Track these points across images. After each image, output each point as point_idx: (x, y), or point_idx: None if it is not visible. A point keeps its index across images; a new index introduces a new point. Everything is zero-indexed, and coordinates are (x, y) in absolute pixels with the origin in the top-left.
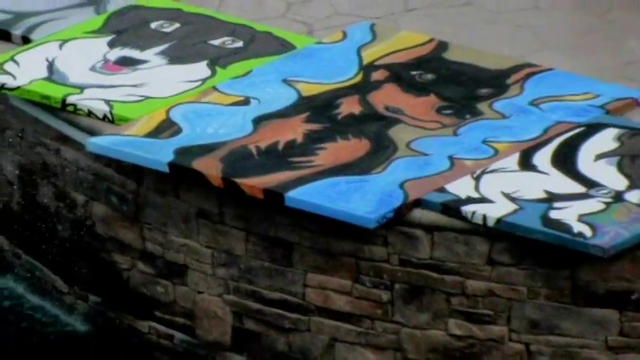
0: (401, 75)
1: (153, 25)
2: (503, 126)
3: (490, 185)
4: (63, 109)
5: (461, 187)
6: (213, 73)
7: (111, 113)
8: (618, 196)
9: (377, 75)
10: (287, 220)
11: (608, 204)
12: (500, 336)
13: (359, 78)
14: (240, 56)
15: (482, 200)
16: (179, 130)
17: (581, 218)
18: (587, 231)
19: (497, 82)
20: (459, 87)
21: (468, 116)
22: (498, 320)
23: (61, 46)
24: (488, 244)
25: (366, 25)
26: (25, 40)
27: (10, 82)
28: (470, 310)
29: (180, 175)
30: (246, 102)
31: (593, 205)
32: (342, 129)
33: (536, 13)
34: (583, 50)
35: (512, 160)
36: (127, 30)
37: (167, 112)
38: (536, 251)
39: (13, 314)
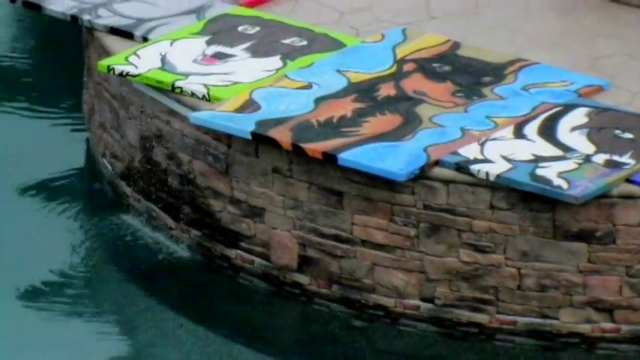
0: (425, 67)
1: (239, 29)
2: (501, 105)
3: (491, 149)
4: (172, 91)
5: (469, 150)
6: (284, 64)
7: (208, 94)
8: (587, 159)
9: (407, 67)
10: (339, 174)
11: (580, 164)
12: (498, 262)
13: (394, 69)
14: (305, 52)
15: (486, 161)
16: (259, 107)
17: (560, 175)
18: (563, 184)
19: (497, 72)
20: (469, 76)
21: (475, 98)
22: (497, 250)
23: (171, 44)
24: (490, 193)
25: (399, 29)
26: (144, 39)
27: (133, 70)
28: (476, 243)
29: (260, 141)
30: (309, 86)
31: (568, 164)
32: (380, 107)
33: (527, 20)
34: (562, 48)
35: (508, 131)
36: (220, 32)
37: (250, 93)
38: (526, 199)
39: (135, 244)
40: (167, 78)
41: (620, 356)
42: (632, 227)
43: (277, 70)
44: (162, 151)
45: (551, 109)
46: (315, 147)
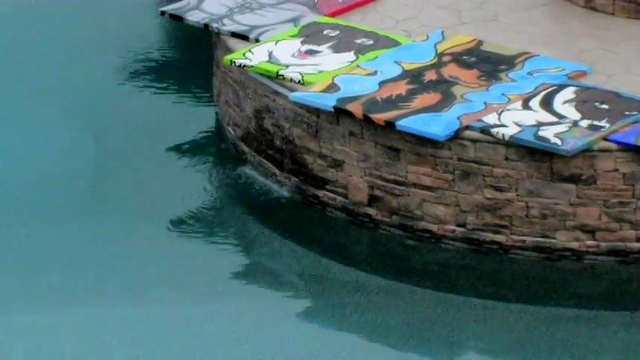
0: (458, 58)
1: (324, 32)
2: (513, 86)
3: (506, 117)
4: (277, 77)
5: (490, 118)
6: (357, 57)
7: (303, 80)
8: (575, 123)
9: (445, 59)
10: (397, 136)
11: (570, 127)
12: (511, 198)
13: (435, 60)
14: (371, 49)
15: (502, 125)
16: (339, 89)
17: (556, 135)
18: (558, 142)
19: (509, 62)
20: (490, 65)
21: (494, 81)
22: (510, 190)
23: (275, 44)
24: (505, 149)
25: (439, 32)
26: (256, 40)
27: (248, 63)
28: (495, 185)
29: (340, 113)
30: (375, 74)
31: (562, 128)
32: (426, 88)
33: (531, 25)
34: (555, 45)
35: (518, 104)
36: (311, 35)
37: (332, 79)
38: (531, 152)
39: (250, 188)
40: (273, 68)
41: (600, 265)
42: (608, 172)
43: (352, 62)
44: (270, 121)
45: (549, 88)
46: (379, 117)
